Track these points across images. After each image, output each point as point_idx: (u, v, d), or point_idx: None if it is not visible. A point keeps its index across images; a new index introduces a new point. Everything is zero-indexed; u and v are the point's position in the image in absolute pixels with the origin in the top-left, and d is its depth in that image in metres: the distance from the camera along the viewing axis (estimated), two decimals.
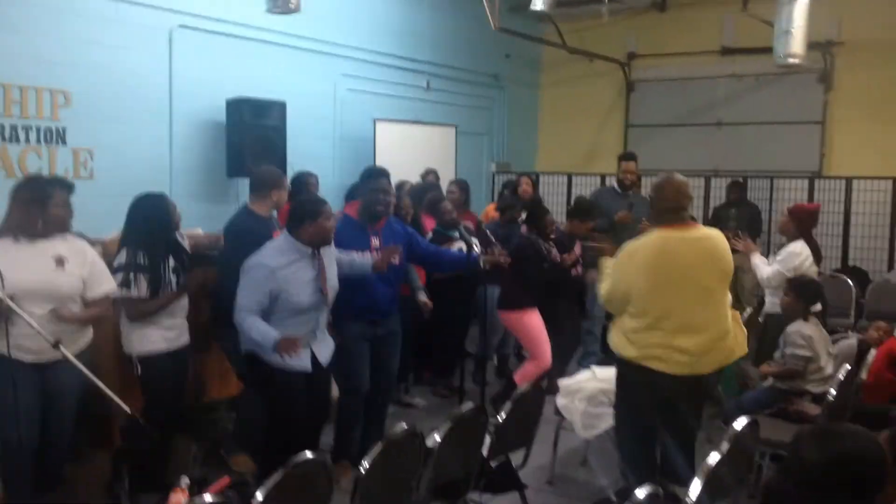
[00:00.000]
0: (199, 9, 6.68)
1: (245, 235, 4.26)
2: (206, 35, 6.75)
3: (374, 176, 4.54)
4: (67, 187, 3.73)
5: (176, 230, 4.17)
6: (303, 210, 3.93)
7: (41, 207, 3.53)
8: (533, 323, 5.58)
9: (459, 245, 5.82)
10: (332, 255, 4.11)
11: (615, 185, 7.34)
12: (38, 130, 5.71)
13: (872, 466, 1.92)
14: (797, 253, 5.34)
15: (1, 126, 5.51)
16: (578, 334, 6.54)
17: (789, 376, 4.48)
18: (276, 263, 3.82)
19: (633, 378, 3.76)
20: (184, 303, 4.13)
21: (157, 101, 6.52)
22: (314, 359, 3.99)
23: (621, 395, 3.94)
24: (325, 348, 4.10)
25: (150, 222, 3.99)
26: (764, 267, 5.43)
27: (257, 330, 3.74)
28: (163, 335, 4.00)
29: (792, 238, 5.50)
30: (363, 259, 4.31)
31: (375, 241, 4.48)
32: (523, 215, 6.36)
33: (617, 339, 3.82)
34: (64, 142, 5.86)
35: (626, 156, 6.92)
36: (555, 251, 5.84)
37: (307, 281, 3.88)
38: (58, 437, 3.63)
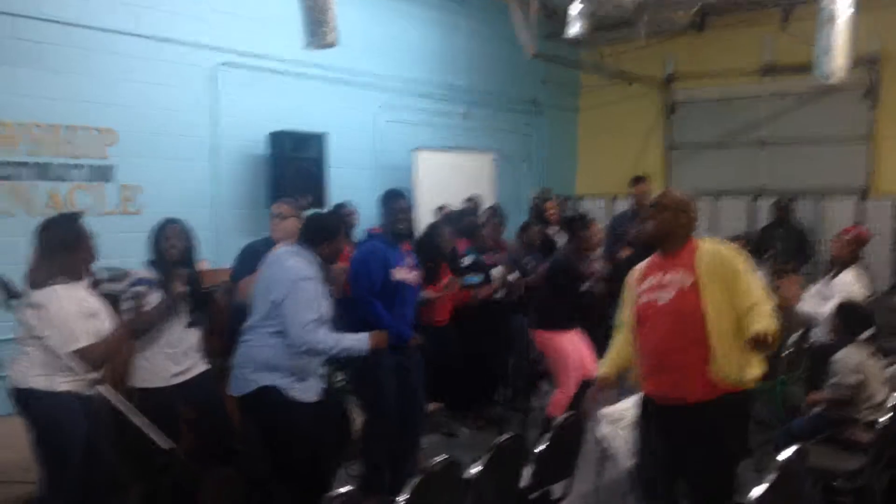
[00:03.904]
0: (241, 46, 6.86)
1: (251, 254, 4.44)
2: (247, 72, 6.92)
3: (393, 197, 4.61)
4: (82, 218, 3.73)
5: (173, 258, 4.05)
6: (325, 227, 4.02)
7: (82, 244, 3.57)
8: (563, 346, 5.39)
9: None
10: None
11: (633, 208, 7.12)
12: (86, 168, 5.89)
13: None
14: (851, 282, 5.18)
15: (51, 165, 5.70)
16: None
17: (838, 405, 4.36)
18: (315, 275, 3.88)
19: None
20: (191, 333, 4.08)
21: (201, 136, 6.69)
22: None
23: None
24: (319, 379, 4.05)
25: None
26: (817, 310, 5.22)
27: (345, 338, 3.81)
28: (166, 367, 3.97)
29: (846, 265, 5.32)
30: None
31: (409, 261, 4.55)
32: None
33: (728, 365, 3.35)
34: (112, 179, 6.03)
35: (639, 178, 6.85)
36: (596, 266, 5.73)
37: (325, 293, 3.94)
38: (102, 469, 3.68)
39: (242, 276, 4.45)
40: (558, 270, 5.52)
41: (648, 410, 3.56)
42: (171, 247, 4.04)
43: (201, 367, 4.14)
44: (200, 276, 4.24)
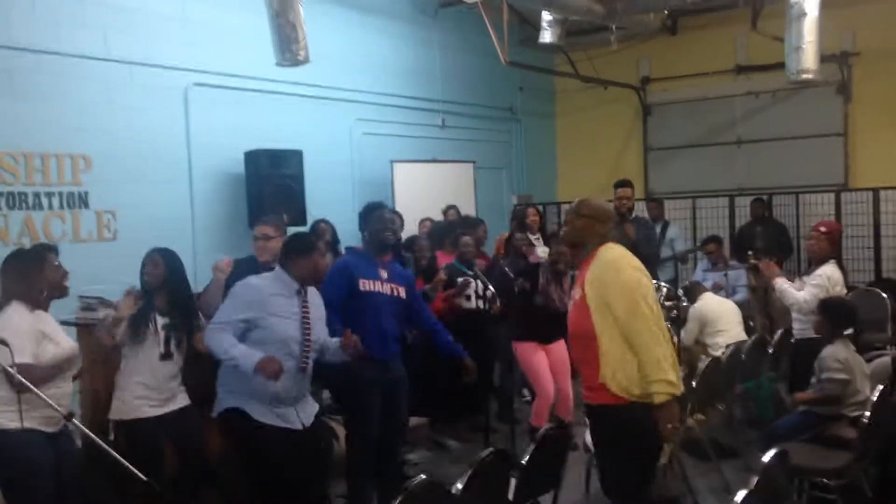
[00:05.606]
0: (212, 66, 6.82)
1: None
2: (220, 91, 6.88)
3: (375, 208, 4.58)
4: (53, 250, 3.75)
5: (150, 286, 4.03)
6: (296, 244, 3.95)
7: (39, 274, 3.56)
8: (523, 355, 5.51)
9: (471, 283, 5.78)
10: (319, 310, 4.02)
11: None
12: (60, 196, 5.83)
13: None
14: (830, 275, 5.11)
15: (24, 194, 5.64)
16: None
17: (827, 402, 4.35)
18: (265, 287, 3.82)
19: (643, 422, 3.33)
20: (165, 364, 3.99)
21: (175, 158, 6.63)
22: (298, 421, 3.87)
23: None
24: (309, 409, 3.96)
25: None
26: (793, 291, 5.16)
27: (237, 348, 3.63)
28: (141, 399, 3.91)
29: (824, 259, 5.24)
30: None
31: (384, 273, 4.48)
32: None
33: (623, 377, 3.29)
34: (87, 205, 5.98)
35: (621, 183, 6.77)
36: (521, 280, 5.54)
37: (291, 313, 3.83)
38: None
39: None
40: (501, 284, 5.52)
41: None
42: (146, 273, 4.02)
43: (181, 401, 4.05)
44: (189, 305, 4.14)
